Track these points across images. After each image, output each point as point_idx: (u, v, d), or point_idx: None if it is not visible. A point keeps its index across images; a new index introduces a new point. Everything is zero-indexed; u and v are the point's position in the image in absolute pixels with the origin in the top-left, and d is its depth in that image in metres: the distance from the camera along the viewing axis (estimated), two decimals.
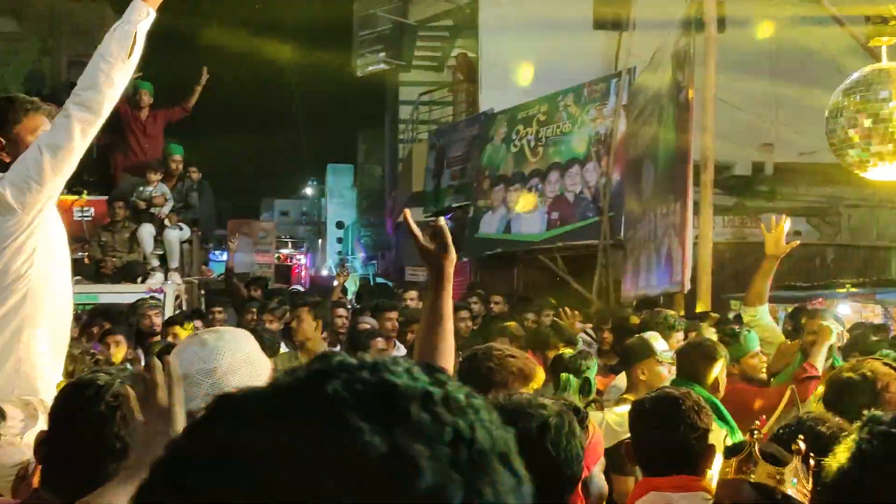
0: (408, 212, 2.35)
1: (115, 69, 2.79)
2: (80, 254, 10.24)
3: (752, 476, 2.15)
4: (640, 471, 2.88)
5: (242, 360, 2.02)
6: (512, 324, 7.02)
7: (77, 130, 2.77)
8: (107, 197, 10.55)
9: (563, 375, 4.20)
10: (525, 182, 12.35)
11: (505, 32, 13.96)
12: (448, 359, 2.22)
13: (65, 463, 1.92)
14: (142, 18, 2.86)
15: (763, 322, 5.24)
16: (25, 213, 2.76)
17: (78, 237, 10.27)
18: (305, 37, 22.40)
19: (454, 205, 14.43)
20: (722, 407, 3.83)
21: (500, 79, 13.93)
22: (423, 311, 2.28)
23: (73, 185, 10.73)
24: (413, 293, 9.57)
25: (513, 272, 13.10)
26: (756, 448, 2.17)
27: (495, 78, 14.23)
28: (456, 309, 6.80)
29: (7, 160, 2.88)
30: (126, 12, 2.86)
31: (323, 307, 6.25)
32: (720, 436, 3.59)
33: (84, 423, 1.88)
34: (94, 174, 11.15)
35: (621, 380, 4.69)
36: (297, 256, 33.33)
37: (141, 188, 10.32)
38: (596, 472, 2.25)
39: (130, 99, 10.78)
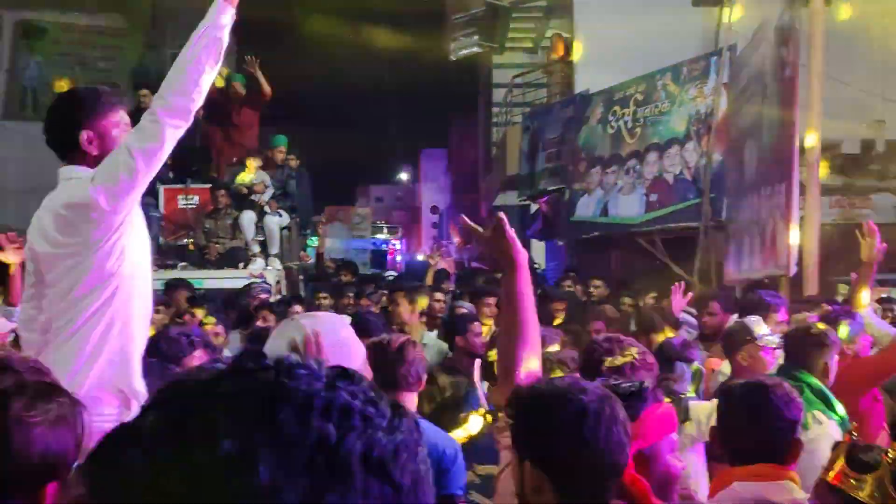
0: (465, 218, 2.40)
1: (204, 75, 2.82)
2: (184, 241, 10.59)
3: (861, 493, 2.08)
4: (727, 458, 2.81)
5: (337, 344, 2.03)
6: (607, 306, 6.92)
7: (168, 135, 2.79)
8: (210, 185, 10.85)
9: (678, 365, 4.13)
10: (622, 164, 12.14)
11: (600, 11, 13.69)
12: (528, 346, 2.22)
13: None
14: (227, 23, 2.88)
15: (871, 324, 5.03)
16: (116, 214, 2.81)
17: (183, 224, 10.62)
18: (398, 22, 22.49)
19: (549, 188, 14.29)
20: (831, 396, 3.69)
21: (596, 59, 13.68)
22: (503, 301, 2.29)
23: (179, 175, 11.11)
24: None
25: (610, 256, 12.91)
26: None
27: (591, 58, 14.00)
28: (485, 294, 6.75)
29: (95, 153, 2.92)
30: (213, 15, 2.86)
31: (420, 292, 6.28)
32: (829, 429, 3.45)
33: None
34: (197, 163, 11.48)
35: (727, 366, 4.57)
36: (393, 241, 33.70)
37: (241, 175, 10.59)
38: (663, 450, 2.16)
39: (225, 91, 11.04)
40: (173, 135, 2.81)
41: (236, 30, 3.07)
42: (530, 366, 2.22)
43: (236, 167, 10.96)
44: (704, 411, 3.50)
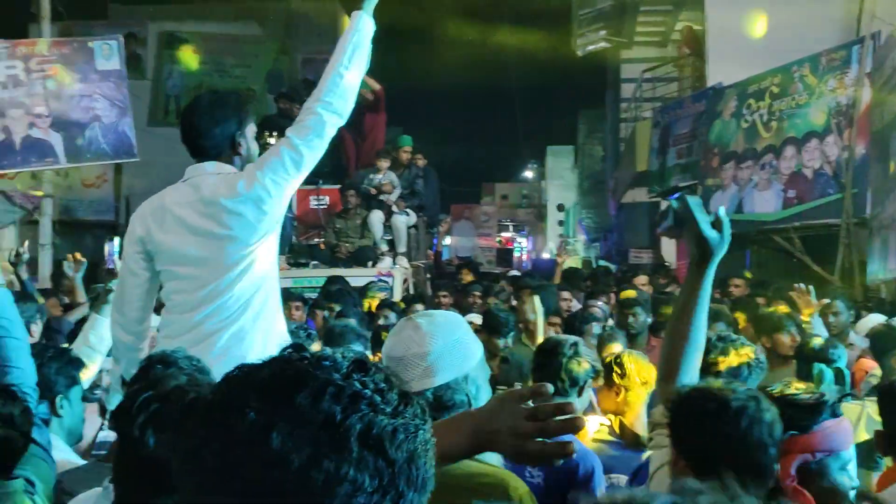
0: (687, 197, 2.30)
1: (355, 79, 3.06)
2: (315, 240, 10.88)
3: None
4: (891, 460, 2.67)
5: (454, 344, 2.02)
6: (722, 307, 6.67)
7: (329, 133, 3.03)
8: (339, 186, 11.11)
9: (816, 366, 3.93)
10: (757, 158, 11.68)
11: (733, 2, 13.25)
12: (693, 345, 2.15)
13: None
14: (366, 26, 3.10)
15: None
16: (278, 208, 3.00)
17: (314, 224, 10.91)
18: (523, 19, 22.42)
19: (680, 184, 13.92)
20: None
21: (729, 51, 13.22)
22: (681, 297, 2.22)
23: (311, 176, 11.44)
24: (643, 278, 9.32)
25: (745, 253, 12.47)
26: None
27: (723, 50, 13.53)
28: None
29: (242, 154, 3.11)
30: (360, 26, 3.09)
31: (548, 291, 6.23)
32: None
33: None
34: (328, 165, 11.79)
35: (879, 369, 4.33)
36: (518, 239, 33.59)
37: (371, 176, 10.79)
38: (832, 466, 2.04)
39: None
40: (332, 133, 3.03)
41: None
42: (689, 376, 2.16)
43: (366, 168, 11.18)
44: (854, 413, 3.32)
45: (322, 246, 10.63)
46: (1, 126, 9.34)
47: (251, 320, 3.02)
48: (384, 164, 10.75)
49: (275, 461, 0.85)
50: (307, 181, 10.11)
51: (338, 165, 11.98)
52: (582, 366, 3.17)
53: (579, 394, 3.18)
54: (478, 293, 8.61)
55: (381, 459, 0.88)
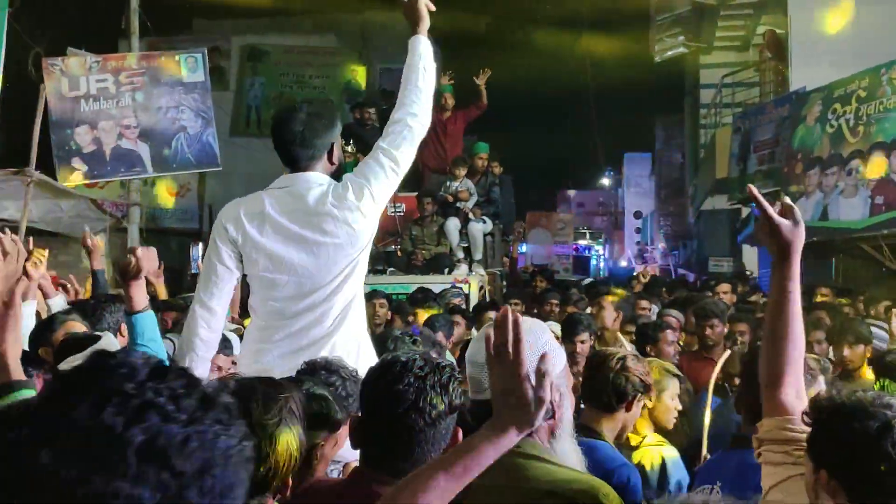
0: (752, 187, 2.27)
1: (432, 93, 3.34)
2: (392, 247, 10.97)
3: None
4: None
5: (536, 352, 2.01)
6: (822, 314, 6.47)
7: (418, 141, 3.25)
8: (416, 193, 11.18)
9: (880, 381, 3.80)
10: (843, 164, 11.34)
11: (817, 4, 12.91)
12: (794, 343, 2.07)
13: (381, 439, 2.02)
14: (426, 45, 3.35)
15: None
16: (378, 215, 3.18)
17: (391, 231, 11.00)
18: (600, 25, 22.26)
19: (763, 191, 13.59)
20: None
21: (813, 54, 12.89)
22: (770, 297, 2.15)
23: None
24: (725, 286, 9.11)
25: (830, 262, 12.10)
26: None
27: (807, 53, 13.20)
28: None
29: (333, 163, 3.24)
30: (422, 50, 3.33)
31: (625, 299, 6.15)
32: None
33: (394, 398, 1.98)
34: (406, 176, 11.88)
35: None
36: (595, 247, 33.27)
37: (447, 183, 10.84)
38: None
39: (435, 102, 11.33)
40: (419, 140, 3.25)
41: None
42: (795, 377, 2.08)
43: (442, 175, 11.24)
44: None
45: (399, 253, 10.71)
46: (92, 137, 9.70)
47: (347, 327, 3.12)
48: (461, 171, 10.79)
49: (43, 479, 0.83)
50: None
51: (414, 172, 12.06)
52: (630, 380, 3.07)
53: (628, 409, 3.06)
54: (555, 301, 8.55)
55: (166, 471, 0.85)
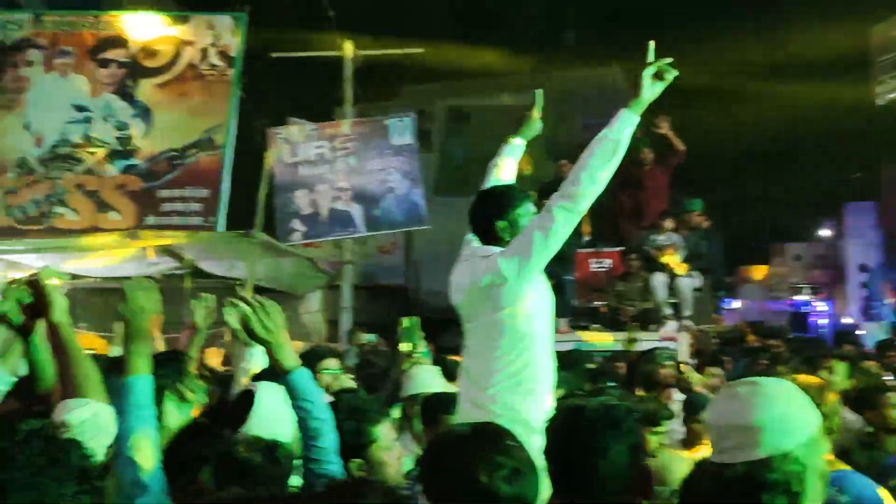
0: None
1: (598, 172, 3.20)
2: (596, 303, 10.81)
3: None
4: None
5: (776, 418, 1.85)
6: None
7: (560, 220, 3.20)
8: (620, 248, 11.00)
9: None
10: None
11: None
12: None
13: (563, 476, 2.05)
14: (626, 127, 3.25)
15: None
16: (518, 284, 3.27)
17: (594, 287, 10.86)
18: (814, 70, 21.18)
19: None
20: None
21: None
22: None
23: (591, 240, 11.44)
24: None
25: None
26: None
27: None
28: None
29: (507, 239, 3.42)
30: (614, 123, 3.25)
31: (855, 359, 5.68)
32: None
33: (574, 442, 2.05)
34: (607, 228, 11.71)
35: None
36: (814, 303, 31.19)
37: (652, 237, 10.58)
38: None
39: (633, 158, 11.12)
40: (566, 219, 3.21)
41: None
42: None
43: (647, 230, 10.99)
44: None
45: (603, 309, 10.53)
46: (310, 200, 10.32)
47: (509, 390, 3.27)
48: (668, 224, 10.50)
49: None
50: (588, 244, 10.08)
51: (615, 226, 11.87)
52: None
53: None
54: (765, 360, 8.06)
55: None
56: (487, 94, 19.31)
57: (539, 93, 4.06)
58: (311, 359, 4.01)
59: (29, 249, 9.30)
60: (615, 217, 11.90)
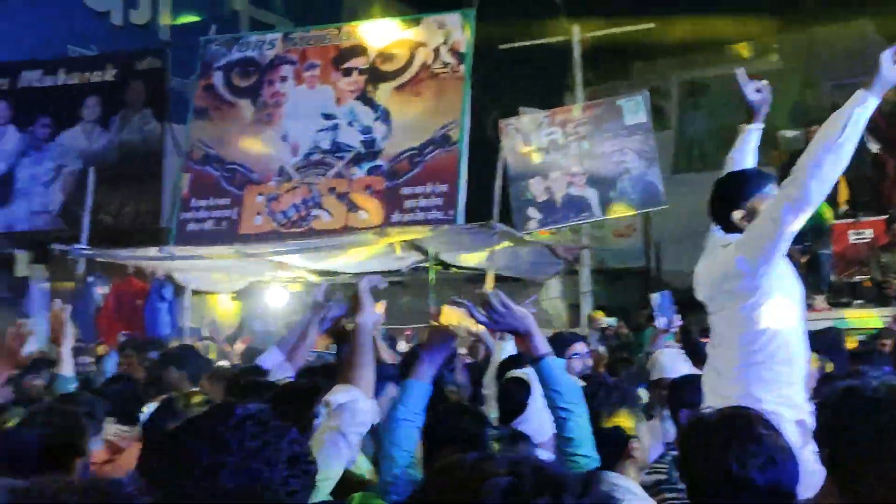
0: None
1: (825, 159, 2.96)
2: (858, 277, 10.07)
3: None
4: None
5: None
6: None
7: (789, 216, 3.02)
8: (884, 217, 10.18)
9: None
10: None
11: None
12: None
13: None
14: (857, 104, 2.95)
15: None
16: (753, 277, 3.13)
17: (855, 260, 10.13)
18: None
19: None
20: None
21: None
22: None
23: (849, 209, 10.66)
24: None
25: None
26: None
27: None
28: None
29: (746, 226, 3.25)
30: (846, 106, 2.98)
31: None
32: None
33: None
34: (868, 195, 10.87)
35: None
36: None
37: None
38: None
39: None
40: (793, 208, 3.01)
41: None
42: None
43: None
44: None
45: (866, 283, 9.78)
46: (544, 187, 10.41)
47: (754, 376, 3.16)
48: None
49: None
50: (846, 214, 9.47)
51: (877, 193, 10.97)
52: None
53: None
54: None
55: None
56: (723, 64, 18.46)
57: (741, 72, 3.68)
58: (557, 344, 4.06)
59: (292, 250, 10.11)
60: (877, 182, 11.02)
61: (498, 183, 10.39)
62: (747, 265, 3.13)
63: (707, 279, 3.40)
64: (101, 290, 10.78)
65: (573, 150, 10.55)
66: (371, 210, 10.04)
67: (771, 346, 3.15)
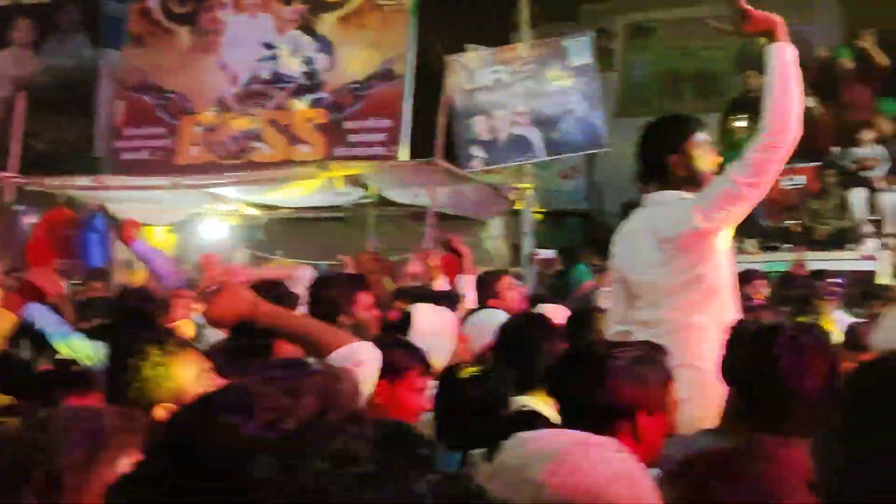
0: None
1: (795, 106, 3.04)
2: (788, 222, 10.32)
3: None
4: None
5: None
6: None
7: (774, 170, 3.03)
8: (814, 164, 10.40)
9: None
10: None
11: None
12: None
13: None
14: (791, 59, 3.03)
15: None
16: (716, 237, 3.04)
17: (786, 206, 10.36)
18: None
19: None
20: None
21: None
22: None
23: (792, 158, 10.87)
24: None
25: None
26: None
27: None
28: None
29: (681, 174, 3.17)
30: (778, 61, 3.04)
31: None
32: None
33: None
34: (799, 142, 11.07)
35: None
36: None
37: (851, 151, 9.94)
38: None
39: (830, 68, 10.39)
40: (778, 167, 3.03)
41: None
42: None
43: (844, 144, 10.29)
44: None
45: (795, 228, 10.04)
46: (488, 126, 10.37)
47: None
48: (868, 136, 9.79)
49: None
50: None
51: (810, 141, 11.18)
52: None
53: None
54: None
55: None
56: (672, 7, 18.43)
57: None
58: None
59: (230, 183, 9.94)
60: (810, 130, 11.20)
61: (442, 120, 10.31)
62: (708, 221, 3.03)
63: (645, 250, 3.17)
64: (30, 220, 10.50)
65: (518, 90, 10.50)
66: (313, 143, 9.90)
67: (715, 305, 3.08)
